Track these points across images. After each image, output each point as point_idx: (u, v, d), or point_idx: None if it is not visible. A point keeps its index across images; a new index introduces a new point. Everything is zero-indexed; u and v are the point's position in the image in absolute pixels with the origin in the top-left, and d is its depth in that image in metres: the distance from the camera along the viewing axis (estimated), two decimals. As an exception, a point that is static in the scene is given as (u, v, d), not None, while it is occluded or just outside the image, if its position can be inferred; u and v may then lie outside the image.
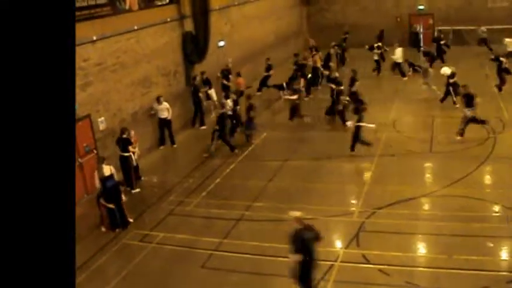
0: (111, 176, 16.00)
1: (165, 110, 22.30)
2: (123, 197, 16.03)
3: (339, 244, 14.21)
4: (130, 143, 18.49)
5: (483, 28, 37.88)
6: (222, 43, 29.61)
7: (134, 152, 18.70)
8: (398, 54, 32.50)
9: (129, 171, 18.61)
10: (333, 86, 24.47)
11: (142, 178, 19.51)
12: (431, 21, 40.52)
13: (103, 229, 15.93)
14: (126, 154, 18.39)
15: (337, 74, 25.53)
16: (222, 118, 21.70)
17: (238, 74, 28.63)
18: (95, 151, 18.82)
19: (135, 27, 21.52)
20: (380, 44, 33.57)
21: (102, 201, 15.78)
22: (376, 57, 32.99)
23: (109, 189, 15.84)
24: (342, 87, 24.31)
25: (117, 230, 15.75)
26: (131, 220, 16.17)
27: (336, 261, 13.06)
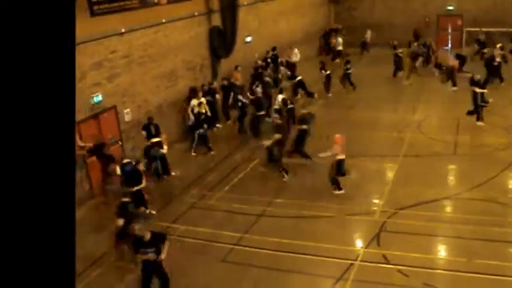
0: (129, 162, 16.47)
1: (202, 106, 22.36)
2: (144, 182, 16.10)
3: (359, 243, 14.22)
4: (159, 129, 18.91)
5: (368, 34, 40.50)
6: (249, 39, 29.66)
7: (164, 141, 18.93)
8: (298, 56, 32.76)
9: (164, 156, 19.03)
10: (477, 89, 22.93)
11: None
12: (460, 22, 40.16)
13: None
14: (158, 139, 18.76)
15: (478, 76, 23.66)
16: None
17: (236, 68, 27.63)
18: (120, 142, 19.01)
19: (163, 21, 21.67)
20: (502, 44, 31.56)
21: (124, 189, 16.02)
22: (498, 59, 29.52)
23: (128, 173, 16.20)
24: (486, 90, 23.09)
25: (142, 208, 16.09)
26: (154, 212, 16.32)
27: (356, 260, 13.07)
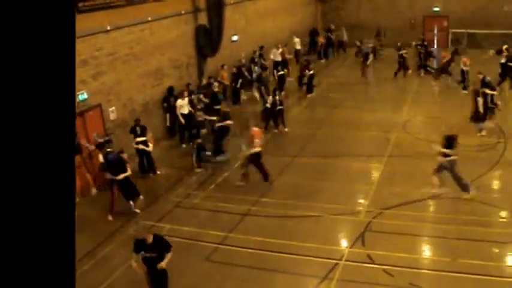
0: (112, 151, 16.59)
1: (185, 106, 22.23)
2: (129, 170, 16.19)
3: (344, 243, 14.22)
4: (146, 129, 18.90)
5: (344, 33, 40.99)
6: (235, 37, 29.60)
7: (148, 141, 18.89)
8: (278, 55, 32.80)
9: (149, 154, 19.09)
10: (487, 91, 22.30)
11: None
12: (446, 24, 40.33)
13: (110, 218, 16.01)
14: (143, 138, 18.71)
15: (489, 78, 22.89)
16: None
17: (222, 67, 27.59)
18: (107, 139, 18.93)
19: (149, 19, 21.56)
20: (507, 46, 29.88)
21: (108, 175, 16.02)
22: (503, 60, 28.34)
23: (111, 161, 16.25)
24: (496, 92, 22.63)
25: (130, 201, 16.18)
26: (138, 211, 16.24)
27: (340, 260, 13.06)
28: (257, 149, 17.47)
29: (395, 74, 32.20)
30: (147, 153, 18.91)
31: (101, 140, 17.69)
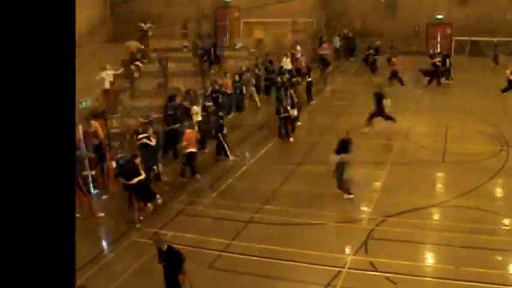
0: (123, 156, 17.16)
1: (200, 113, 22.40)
2: (143, 173, 16.15)
3: (347, 251, 14.20)
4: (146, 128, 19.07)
5: (337, 41, 41.43)
6: (239, 45, 29.68)
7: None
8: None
9: (152, 148, 19.01)
10: None
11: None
12: (449, 31, 40.38)
13: (139, 225, 15.90)
14: (145, 135, 18.67)
15: None
16: None
17: (225, 74, 27.20)
18: (109, 147, 18.91)
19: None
20: None
21: (121, 179, 16.13)
22: None
23: (122, 166, 16.49)
24: None
25: (148, 204, 16.29)
26: (141, 218, 16.22)
27: (343, 267, 13.05)
28: (190, 150, 18.73)
29: (439, 83, 32.00)
30: (150, 148, 18.75)
31: (96, 142, 17.74)
